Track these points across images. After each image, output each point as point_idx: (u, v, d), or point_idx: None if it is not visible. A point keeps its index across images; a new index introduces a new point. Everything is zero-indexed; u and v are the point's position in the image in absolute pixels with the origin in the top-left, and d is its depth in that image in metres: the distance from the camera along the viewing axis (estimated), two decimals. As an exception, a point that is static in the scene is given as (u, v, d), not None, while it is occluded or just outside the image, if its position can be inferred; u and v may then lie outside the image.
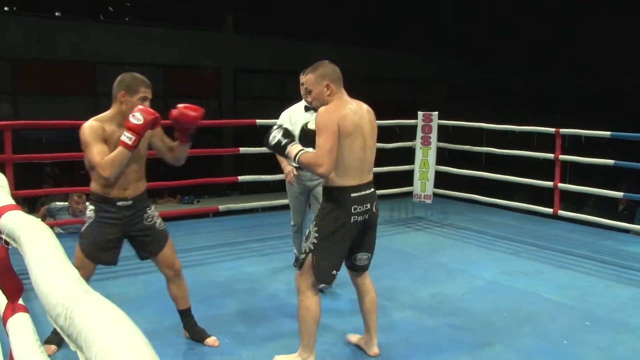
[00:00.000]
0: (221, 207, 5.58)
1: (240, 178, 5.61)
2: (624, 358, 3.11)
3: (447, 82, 15.78)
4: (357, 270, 2.98)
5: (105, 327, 0.46)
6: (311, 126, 2.84)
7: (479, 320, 3.58)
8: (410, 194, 6.68)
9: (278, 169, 5.30)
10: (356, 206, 2.70)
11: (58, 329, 0.58)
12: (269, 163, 6.35)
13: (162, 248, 3.03)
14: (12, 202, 1.17)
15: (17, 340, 1.04)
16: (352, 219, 2.70)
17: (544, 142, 5.81)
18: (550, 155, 5.56)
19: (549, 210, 5.62)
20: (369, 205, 2.75)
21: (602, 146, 6.36)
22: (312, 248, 2.74)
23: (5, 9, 11.54)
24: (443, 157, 6.59)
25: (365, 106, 2.88)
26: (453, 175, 6.55)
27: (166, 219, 6.53)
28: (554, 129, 5.50)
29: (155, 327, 3.30)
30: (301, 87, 4.06)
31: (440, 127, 6.45)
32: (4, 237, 1.05)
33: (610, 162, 5.21)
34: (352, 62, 13.53)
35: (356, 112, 2.74)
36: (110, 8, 13.33)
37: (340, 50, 13.44)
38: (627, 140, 5.62)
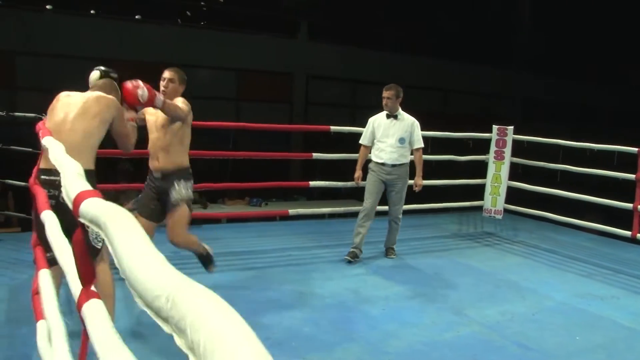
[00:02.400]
0: (291, 211, 5.61)
1: (312, 183, 5.64)
2: None
3: (521, 97, 15.38)
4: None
5: (213, 313, 0.47)
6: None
7: (549, 342, 3.45)
8: (479, 208, 6.53)
9: (348, 176, 5.33)
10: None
11: (150, 311, 0.59)
12: (339, 169, 6.38)
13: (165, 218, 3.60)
14: (91, 188, 1.22)
15: (94, 326, 1.07)
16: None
17: (625, 162, 5.54)
18: (632, 176, 5.31)
19: (627, 233, 5.35)
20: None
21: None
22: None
23: (92, 12, 12.11)
24: (516, 172, 6.41)
25: None
26: (525, 191, 6.35)
27: (235, 219, 6.71)
28: (636, 149, 5.25)
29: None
30: (383, 100, 4.93)
31: (514, 142, 6.28)
32: (86, 223, 1.09)
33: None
34: (422, 72, 13.50)
35: None
36: (187, 12, 13.79)
37: (411, 62, 13.41)
38: None
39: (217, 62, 11.75)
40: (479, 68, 14.35)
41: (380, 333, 3.44)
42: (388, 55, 13.08)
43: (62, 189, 1.37)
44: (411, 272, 4.75)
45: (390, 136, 4.92)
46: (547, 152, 6.28)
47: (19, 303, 3.63)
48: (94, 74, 3.16)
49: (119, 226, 0.84)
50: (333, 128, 5.51)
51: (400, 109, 4.97)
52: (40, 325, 2.30)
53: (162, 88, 3.56)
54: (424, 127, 6.23)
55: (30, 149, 4.69)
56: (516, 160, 6.35)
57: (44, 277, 2.19)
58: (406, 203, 6.36)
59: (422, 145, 5.04)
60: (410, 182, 5.09)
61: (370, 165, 5.04)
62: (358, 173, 5.18)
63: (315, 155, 5.54)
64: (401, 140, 4.92)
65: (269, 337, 3.24)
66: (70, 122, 2.77)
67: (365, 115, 5.18)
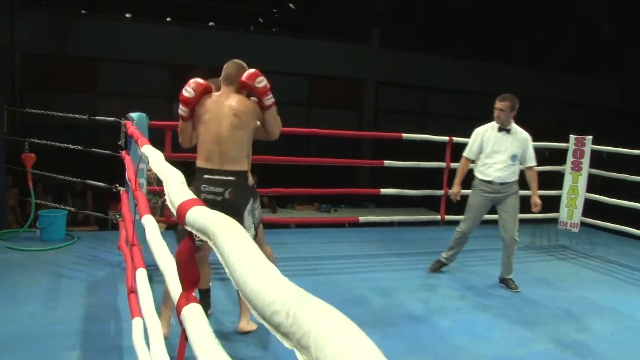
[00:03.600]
0: (361, 219, 5.62)
1: (383, 191, 5.63)
2: None
3: (597, 106, 14.79)
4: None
5: (338, 331, 0.48)
6: None
7: (630, 362, 3.30)
8: (554, 220, 6.32)
9: (419, 185, 5.28)
10: (205, 185, 2.99)
11: (269, 326, 0.61)
12: (409, 177, 6.34)
13: None
14: (195, 197, 1.26)
15: (194, 329, 1.11)
16: (202, 195, 2.93)
17: None
18: None
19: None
20: (219, 189, 2.99)
21: None
22: None
23: (168, 19, 12.54)
24: (594, 184, 6.17)
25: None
26: (604, 204, 6.10)
27: (305, 225, 6.77)
28: None
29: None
30: (494, 111, 4.50)
31: (593, 152, 6.05)
32: (194, 232, 1.12)
33: None
34: (495, 79, 13.19)
35: None
36: (260, 19, 14.06)
37: (484, 69, 13.14)
38: None
39: (289, 68, 11.90)
40: (560, 76, 13.92)
41: (449, 346, 3.39)
42: (459, 62, 12.88)
43: (167, 196, 1.41)
44: (483, 285, 4.65)
45: (501, 152, 4.49)
46: (631, 163, 6.01)
47: (97, 299, 3.80)
48: (233, 68, 3.03)
49: (228, 236, 0.87)
50: (405, 135, 5.48)
51: (512, 122, 4.53)
52: (136, 322, 2.41)
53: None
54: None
55: (110, 152, 4.88)
56: (595, 171, 6.11)
57: (141, 277, 2.29)
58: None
59: (535, 163, 4.62)
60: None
61: (475, 182, 4.64)
62: (457, 188, 4.70)
63: (387, 162, 5.52)
64: (513, 158, 4.49)
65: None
66: (226, 134, 2.90)
67: (434, 123, 5.09)
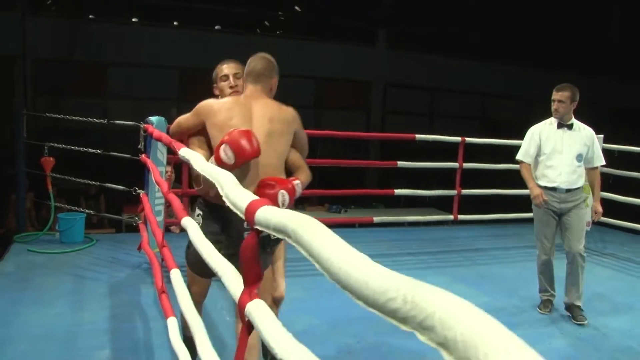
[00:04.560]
0: (376, 219, 5.67)
1: (397, 191, 5.66)
2: None
3: (607, 104, 14.81)
4: None
5: (461, 310, 0.53)
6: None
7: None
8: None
9: (430, 185, 5.32)
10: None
11: (381, 313, 0.65)
12: (420, 178, 6.38)
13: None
14: (257, 197, 1.29)
15: (263, 322, 1.16)
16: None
17: None
18: None
19: None
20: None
21: None
22: None
23: (175, 23, 12.63)
24: (606, 183, 6.20)
25: None
26: (616, 202, 6.14)
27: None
28: None
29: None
30: (552, 104, 3.93)
31: (604, 151, 6.08)
32: (267, 231, 1.16)
33: None
34: (502, 80, 13.24)
35: None
36: (266, 22, 14.14)
37: (493, 70, 13.18)
38: None
39: (296, 71, 11.97)
40: (566, 75, 13.94)
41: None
42: (467, 64, 12.94)
43: (225, 198, 1.44)
44: (497, 282, 4.70)
45: (564, 152, 3.90)
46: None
47: (121, 300, 3.86)
48: (260, 63, 2.48)
49: (313, 232, 0.91)
50: (418, 136, 5.52)
51: (573, 117, 3.97)
52: (171, 322, 2.46)
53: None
54: (514, 135, 6.13)
55: (129, 155, 4.93)
56: (606, 170, 6.15)
57: (176, 277, 2.33)
58: (483, 210, 6.24)
59: (602, 162, 4.10)
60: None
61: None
62: (537, 189, 3.94)
63: (400, 163, 5.56)
64: (579, 158, 3.91)
65: (352, 344, 3.31)
66: (264, 143, 2.29)
67: (442, 124, 5.09)
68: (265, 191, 2.23)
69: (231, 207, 1.36)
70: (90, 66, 10.64)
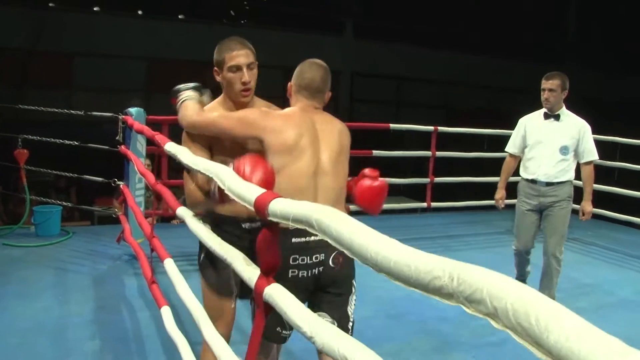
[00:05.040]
0: (352, 207, 5.74)
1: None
2: None
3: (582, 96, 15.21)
4: None
5: (509, 283, 0.62)
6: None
7: (619, 336, 3.52)
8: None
9: (398, 173, 5.41)
10: (296, 256, 1.87)
11: (423, 291, 0.74)
12: (390, 167, 6.47)
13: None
14: (264, 190, 1.35)
15: (285, 303, 1.24)
16: (290, 273, 1.87)
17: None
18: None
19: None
20: (318, 256, 1.90)
21: None
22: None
23: (139, 12, 12.47)
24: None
25: None
26: (578, 189, 6.37)
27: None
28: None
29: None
30: (542, 93, 3.70)
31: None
32: (285, 222, 1.21)
33: None
34: (467, 70, 13.48)
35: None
36: (231, 12, 14.08)
37: (453, 58, 13.41)
38: None
39: (264, 61, 11.95)
40: (526, 65, 14.26)
41: (450, 321, 3.57)
42: (433, 53, 13.13)
43: (228, 192, 1.47)
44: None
45: (546, 143, 3.70)
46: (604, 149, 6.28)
47: (106, 292, 3.88)
48: (319, 75, 2.10)
49: (340, 221, 0.98)
50: (392, 126, 5.64)
51: (564, 107, 3.74)
52: (165, 311, 2.51)
53: None
54: (476, 124, 6.28)
55: (107, 147, 4.91)
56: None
57: (171, 266, 2.39)
58: (448, 197, 6.34)
59: (594, 157, 3.81)
60: (575, 206, 3.94)
61: (519, 184, 3.90)
62: (500, 193, 3.99)
63: (375, 152, 5.66)
64: (563, 150, 3.67)
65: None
66: (333, 164, 1.99)
67: (410, 113, 5.14)
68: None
69: (236, 199, 1.42)
70: (55, 57, 10.46)
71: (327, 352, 1.03)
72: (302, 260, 1.87)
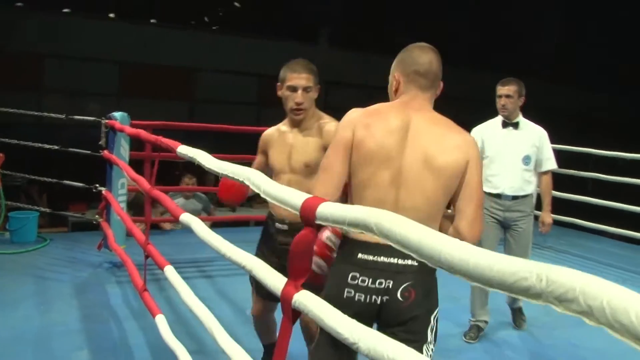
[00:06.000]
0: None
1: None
2: None
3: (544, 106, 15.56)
4: None
5: (599, 281, 0.65)
6: None
7: (597, 341, 3.59)
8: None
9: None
10: (356, 274, 1.64)
11: (509, 292, 0.76)
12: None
13: None
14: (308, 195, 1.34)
15: (322, 311, 1.23)
16: (345, 293, 1.64)
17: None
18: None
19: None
20: (383, 282, 1.62)
21: None
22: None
23: (110, 15, 12.30)
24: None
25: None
26: (554, 199, 6.51)
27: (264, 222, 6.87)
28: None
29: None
30: (499, 100, 3.53)
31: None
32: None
33: None
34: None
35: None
36: (205, 18, 14.02)
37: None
38: None
39: (239, 67, 11.94)
40: (495, 75, 14.52)
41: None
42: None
43: (264, 196, 1.44)
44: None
45: (508, 154, 3.49)
46: (577, 160, 6.45)
47: (88, 300, 3.80)
48: (438, 62, 1.79)
49: (402, 224, 0.98)
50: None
51: (521, 115, 3.58)
52: (160, 319, 2.47)
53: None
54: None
55: (89, 151, 4.83)
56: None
57: (172, 273, 2.35)
58: None
59: (554, 166, 3.65)
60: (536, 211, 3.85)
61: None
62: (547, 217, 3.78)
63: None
64: (526, 160, 3.50)
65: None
66: (415, 181, 1.66)
67: None
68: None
69: (276, 203, 1.41)
70: (25, 58, 10.23)
71: (373, 356, 1.03)
72: (363, 281, 1.61)
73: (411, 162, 1.65)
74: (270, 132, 2.56)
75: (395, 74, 1.81)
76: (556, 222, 6.68)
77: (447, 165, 1.65)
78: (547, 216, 3.79)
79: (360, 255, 1.62)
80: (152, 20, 12.72)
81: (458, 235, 1.64)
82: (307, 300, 1.29)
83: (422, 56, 1.75)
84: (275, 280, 1.43)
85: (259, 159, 2.56)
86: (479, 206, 1.69)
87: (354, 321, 1.14)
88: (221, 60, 11.79)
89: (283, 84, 2.37)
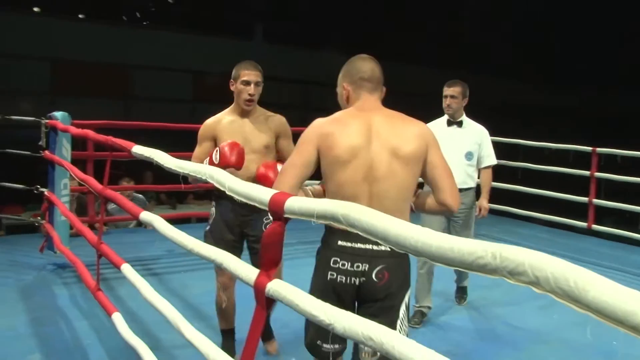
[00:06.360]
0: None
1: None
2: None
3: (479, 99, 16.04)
4: None
5: (546, 256, 0.79)
6: None
7: (530, 321, 3.88)
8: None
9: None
10: (337, 259, 1.86)
11: (468, 269, 0.89)
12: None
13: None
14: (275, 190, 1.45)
15: (291, 295, 1.33)
16: (329, 276, 1.88)
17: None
18: (586, 172, 5.88)
19: (583, 224, 5.93)
20: (360, 265, 1.84)
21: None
22: None
23: (35, 9, 11.85)
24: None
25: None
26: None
27: (206, 218, 6.90)
28: (590, 148, 5.82)
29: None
30: (444, 100, 3.77)
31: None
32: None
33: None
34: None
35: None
36: (137, 13, 13.74)
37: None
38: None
39: (170, 64, 11.79)
40: (438, 71, 14.92)
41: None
42: (341, 58, 13.44)
43: (230, 193, 1.55)
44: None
45: (452, 150, 3.58)
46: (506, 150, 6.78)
47: (36, 303, 3.74)
48: (377, 67, 2.03)
49: (369, 215, 1.08)
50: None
51: (464, 114, 3.85)
52: (116, 317, 2.50)
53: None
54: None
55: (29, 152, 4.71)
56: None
57: (129, 271, 2.39)
58: None
59: (494, 162, 3.96)
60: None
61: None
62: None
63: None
64: (468, 155, 3.78)
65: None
66: (383, 169, 1.87)
67: (317, 116, 5.06)
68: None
69: (243, 200, 1.50)
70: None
71: (349, 335, 1.14)
72: (343, 265, 1.83)
73: (380, 156, 1.85)
74: (214, 121, 2.88)
75: (343, 85, 2.02)
76: (490, 211, 7.06)
77: (412, 152, 1.88)
78: (485, 202, 4.04)
79: (340, 242, 1.85)
80: (80, 15, 12.37)
81: (445, 207, 1.96)
82: (280, 288, 1.39)
83: (364, 65, 1.99)
84: (247, 272, 1.51)
85: (205, 145, 2.82)
86: (452, 178, 1.99)
87: (327, 304, 1.25)
88: (155, 57, 11.61)
89: (237, 80, 2.80)
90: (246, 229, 2.81)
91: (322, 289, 1.84)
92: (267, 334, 3.09)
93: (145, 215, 2.20)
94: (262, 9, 12.98)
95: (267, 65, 10.56)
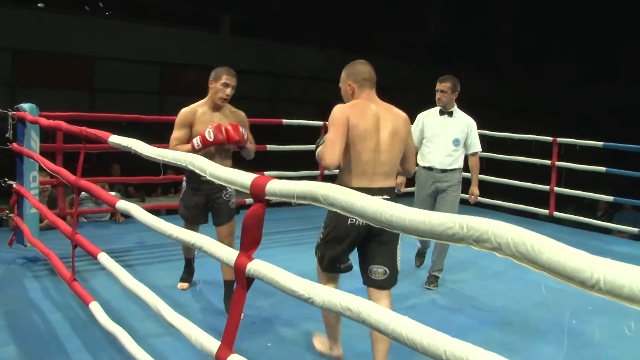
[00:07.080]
0: (247, 200, 5.90)
1: (267, 173, 5.94)
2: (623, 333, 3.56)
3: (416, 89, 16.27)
4: (373, 285, 2.68)
5: (505, 225, 0.87)
6: None
7: (497, 304, 4.06)
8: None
9: (299, 166, 5.65)
10: None
11: (438, 239, 0.99)
12: (287, 160, 6.71)
13: (222, 224, 3.57)
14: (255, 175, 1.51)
15: (272, 272, 1.40)
16: (349, 221, 2.50)
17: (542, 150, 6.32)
18: (548, 162, 6.09)
19: (545, 212, 6.14)
20: None
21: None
22: (317, 245, 2.78)
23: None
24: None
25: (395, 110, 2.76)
26: (467, 180, 6.99)
27: (175, 211, 6.90)
28: (551, 138, 6.03)
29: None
30: (436, 94, 4.31)
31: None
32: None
33: (602, 169, 5.75)
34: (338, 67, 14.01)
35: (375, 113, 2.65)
36: (100, 4, 13.49)
37: (326, 56, 13.89)
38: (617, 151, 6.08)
39: (139, 56, 11.67)
40: (385, 61, 15.08)
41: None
42: (310, 51, 13.50)
43: (211, 178, 1.61)
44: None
45: (441, 136, 4.29)
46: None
47: (7, 296, 3.72)
48: (371, 69, 2.76)
49: (346, 194, 1.17)
50: (285, 121, 5.88)
51: (455, 106, 4.36)
52: (94, 306, 2.54)
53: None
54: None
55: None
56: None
57: (107, 259, 2.43)
58: None
59: (479, 149, 4.45)
60: (464, 195, 4.62)
61: (417, 171, 4.31)
62: (401, 179, 4.07)
63: (269, 147, 5.87)
64: (455, 142, 4.29)
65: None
66: (388, 145, 2.63)
67: (284, 108, 5.16)
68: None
69: (225, 184, 1.58)
70: None
71: (328, 307, 1.22)
72: None
73: (385, 136, 2.62)
74: (191, 110, 3.48)
75: (349, 83, 2.73)
76: (461, 201, 7.23)
77: (403, 135, 2.69)
78: (475, 189, 4.59)
79: (355, 186, 2.45)
80: (39, 5, 12.10)
81: (408, 173, 2.96)
82: (260, 267, 1.46)
83: (364, 68, 2.73)
84: (227, 254, 1.58)
85: (183, 131, 3.42)
86: (414, 155, 2.97)
87: (306, 280, 1.33)
88: (121, 49, 11.46)
89: (217, 81, 3.39)
90: (211, 196, 3.52)
91: (343, 234, 2.57)
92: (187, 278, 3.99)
93: (122, 204, 2.23)
94: (229, 0, 12.92)
95: (233, 57, 10.60)
